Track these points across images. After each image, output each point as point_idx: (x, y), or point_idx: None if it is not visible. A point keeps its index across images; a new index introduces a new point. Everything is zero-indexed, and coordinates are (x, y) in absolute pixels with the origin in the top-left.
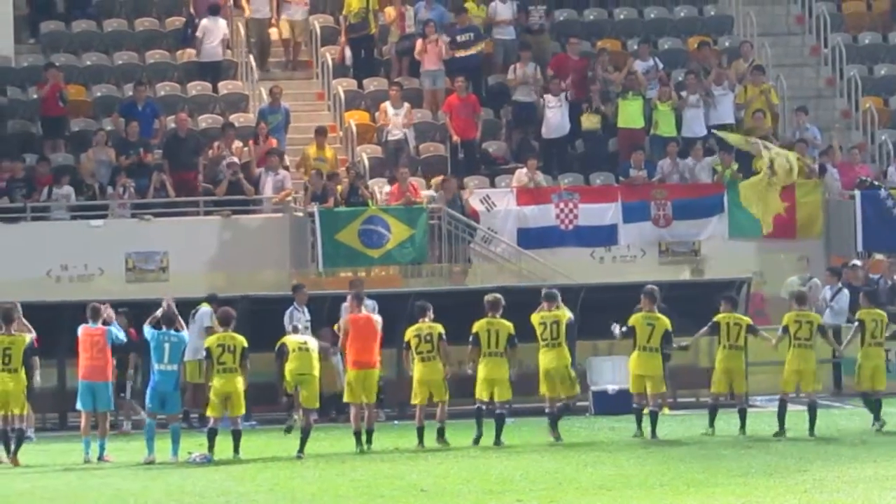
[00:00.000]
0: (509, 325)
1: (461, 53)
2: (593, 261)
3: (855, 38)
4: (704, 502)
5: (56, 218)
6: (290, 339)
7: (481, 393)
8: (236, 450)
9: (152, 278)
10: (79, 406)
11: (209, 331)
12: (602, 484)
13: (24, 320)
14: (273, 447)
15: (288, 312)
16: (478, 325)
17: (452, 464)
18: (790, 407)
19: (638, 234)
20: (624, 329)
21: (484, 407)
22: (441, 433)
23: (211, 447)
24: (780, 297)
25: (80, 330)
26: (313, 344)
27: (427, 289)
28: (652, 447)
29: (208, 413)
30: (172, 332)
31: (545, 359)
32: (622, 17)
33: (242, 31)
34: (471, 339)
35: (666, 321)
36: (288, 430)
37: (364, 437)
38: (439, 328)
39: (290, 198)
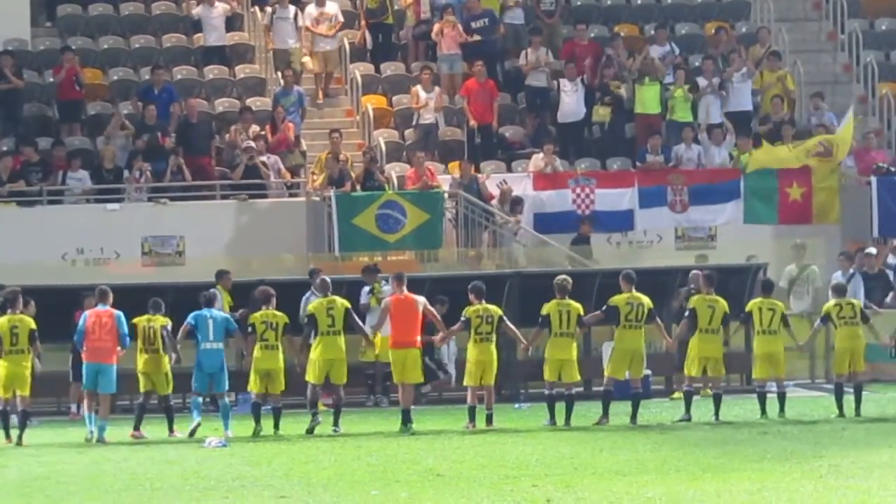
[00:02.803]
0: (578, 305)
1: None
2: (610, 246)
3: (872, 23)
4: (720, 488)
5: (72, 202)
6: (320, 314)
7: (551, 375)
8: (276, 426)
9: (168, 262)
10: (83, 386)
11: None
12: (618, 469)
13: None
14: (289, 430)
15: (305, 298)
16: (548, 307)
17: (468, 448)
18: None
19: (654, 220)
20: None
21: (554, 391)
22: (489, 419)
23: (257, 422)
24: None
25: (88, 313)
26: (339, 308)
27: (443, 273)
28: (669, 434)
29: (250, 389)
30: (214, 310)
31: (625, 339)
32: (640, 2)
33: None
34: (540, 320)
35: (725, 303)
36: (310, 432)
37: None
38: (499, 311)
39: (299, 180)
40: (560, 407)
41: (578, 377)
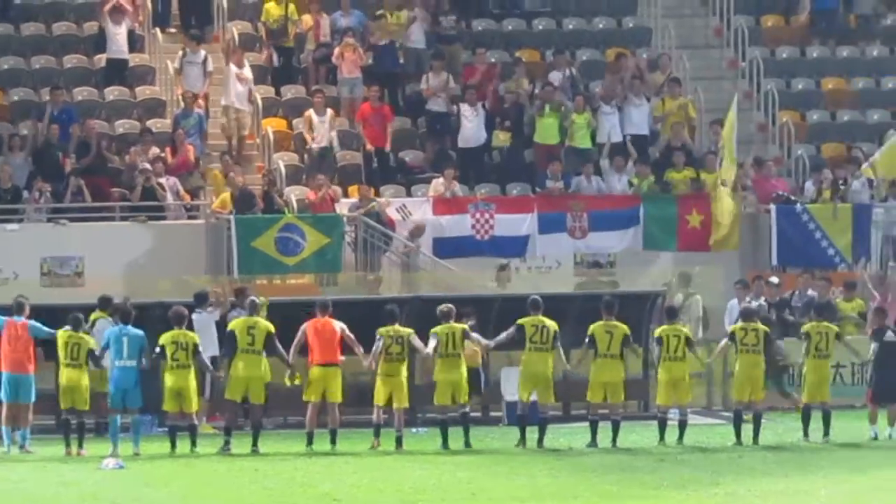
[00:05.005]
0: (462, 326)
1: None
2: (508, 271)
3: (773, 51)
4: None
5: None
6: (241, 332)
7: (442, 398)
8: (193, 444)
9: (68, 283)
10: (1, 397)
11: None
12: (515, 495)
13: None
14: (186, 450)
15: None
16: (436, 330)
17: (366, 472)
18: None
19: (554, 246)
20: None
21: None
22: (399, 441)
23: (173, 444)
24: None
25: (4, 323)
26: (261, 329)
27: (342, 297)
28: (565, 460)
29: (165, 408)
30: (131, 327)
31: (532, 362)
32: (541, 27)
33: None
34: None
35: (625, 328)
36: (224, 452)
37: (329, 437)
38: (410, 331)
39: (203, 202)
40: (457, 431)
41: (467, 399)
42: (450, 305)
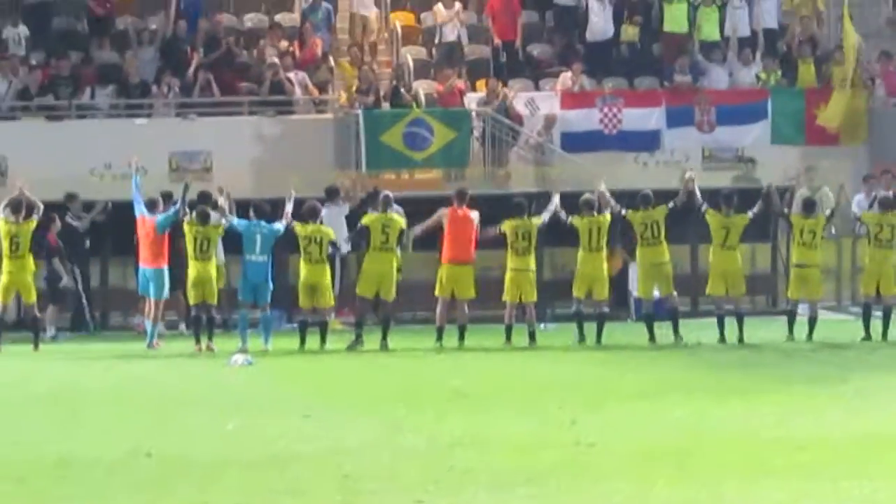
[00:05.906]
0: (607, 217)
1: None
2: (637, 165)
3: None
4: (745, 408)
5: (100, 116)
6: (375, 228)
7: (580, 291)
8: (323, 340)
9: (196, 178)
10: (139, 290)
11: None
12: (644, 390)
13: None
14: (316, 346)
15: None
16: (577, 223)
17: (495, 368)
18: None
19: (681, 139)
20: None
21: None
22: (532, 336)
23: (302, 340)
24: None
25: (139, 218)
26: (395, 226)
27: (471, 192)
28: (694, 355)
29: (299, 304)
30: (263, 222)
31: (647, 257)
32: None
33: None
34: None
35: (743, 219)
36: (352, 349)
37: (457, 333)
38: (536, 222)
39: (331, 96)
40: (590, 326)
41: (607, 295)
42: (593, 196)
